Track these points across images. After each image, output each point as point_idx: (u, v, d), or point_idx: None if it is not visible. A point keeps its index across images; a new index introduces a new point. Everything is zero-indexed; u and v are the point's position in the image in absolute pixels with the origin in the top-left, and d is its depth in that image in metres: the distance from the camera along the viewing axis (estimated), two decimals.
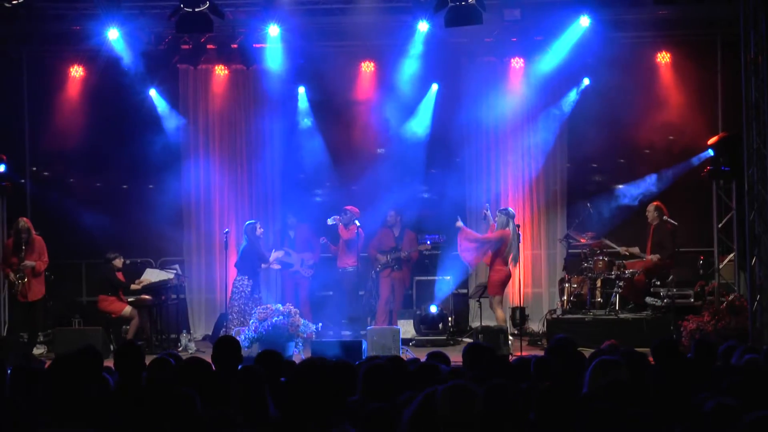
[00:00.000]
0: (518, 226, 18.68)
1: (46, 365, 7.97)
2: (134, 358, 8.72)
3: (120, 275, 19.09)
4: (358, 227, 19.36)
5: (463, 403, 6.20)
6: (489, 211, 18.86)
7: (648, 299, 19.11)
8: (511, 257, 18.37)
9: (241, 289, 18.59)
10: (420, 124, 21.02)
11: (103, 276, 19.07)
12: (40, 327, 18.94)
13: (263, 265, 19.19)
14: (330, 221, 19.87)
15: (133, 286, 19.23)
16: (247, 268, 18.75)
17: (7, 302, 19.26)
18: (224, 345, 9.22)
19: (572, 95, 20.70)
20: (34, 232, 18.45)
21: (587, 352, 11.00)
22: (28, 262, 18.16)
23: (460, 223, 18.72)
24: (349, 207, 19.91)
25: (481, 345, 10.36)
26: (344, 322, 19.91)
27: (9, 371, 8.49)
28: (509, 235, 18.25)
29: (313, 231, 20.45)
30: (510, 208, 18.80)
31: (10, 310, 19.17)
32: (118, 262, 19.08)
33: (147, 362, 9.14)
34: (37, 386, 8.16)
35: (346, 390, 8.13)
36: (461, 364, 9.73)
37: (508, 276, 18.54)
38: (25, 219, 18.62)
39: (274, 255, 19.72)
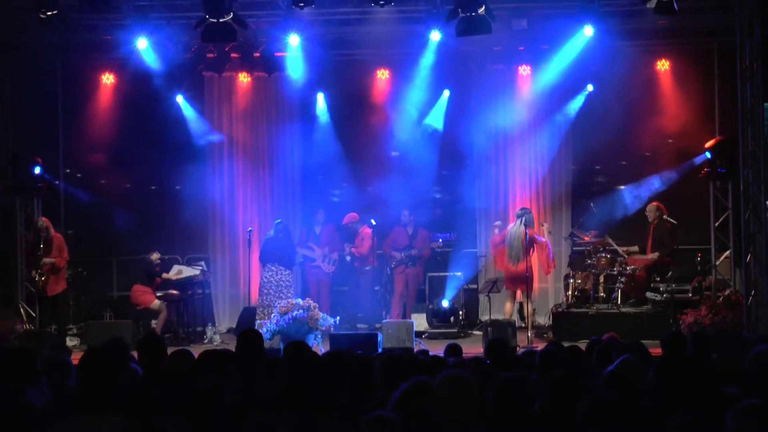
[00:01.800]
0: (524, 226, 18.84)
1: (72, 357, 7.96)
2: (156, 349, 8.69)
3: (158, 270, 19.23)
4: (373, 226, 19.40)
5: (459, 392, 6.14)
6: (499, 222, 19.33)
7: (648, 294, 19.09)
8: (506, 255, 18.54)
9: (291, 282, 18.73)
10: (432, 128, 20.99)
11: (142, 267, 19.22)
12: (66, 319, 19.02)
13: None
14: (348, 257, 19.97)
15: (165, 275, 19.35)
16: (289, 260, 18.95)
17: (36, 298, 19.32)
18: (247, 337, 9.20)
19: (577, 101, 20.65)
20: (53, 230, 18.55)
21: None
22: (46, 259, 18.22)
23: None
24: (346, 220, 19.95)
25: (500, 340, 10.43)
26: (360, 315, 19.93)
27: (43, 362, 8.47)
28: (505, 233, 18.58)
29: (338, 230, 20.46)
30: (520, 209, 18.87)
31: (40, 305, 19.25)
32: (156, 257, 19.27)
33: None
34: (68, 376, 8.16)
35: (366, 382, 8.09)
36: (470, 355, 9.74)
37: (509, 272, 18.66)
38: (43, 218, 18.78)
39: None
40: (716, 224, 19.57)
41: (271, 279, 18.59)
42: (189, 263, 20.39)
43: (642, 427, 6.21)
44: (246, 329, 9.78)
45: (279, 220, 19.32)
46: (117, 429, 5.99)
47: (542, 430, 6.58)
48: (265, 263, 18.79)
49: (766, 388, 7.22)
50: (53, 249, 18.40)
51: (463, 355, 10.54)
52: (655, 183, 20.45)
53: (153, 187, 21.57)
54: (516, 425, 6.48)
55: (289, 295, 18.15)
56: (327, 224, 20.38)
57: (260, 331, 15.81)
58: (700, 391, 6.79)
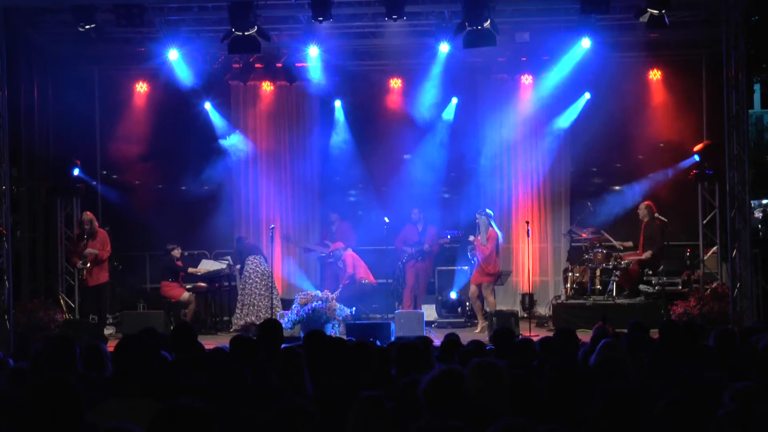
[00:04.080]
0: (527, 222, 19.09)
1: (108, 344, 7.97)
2: (188, 336, 8.71)
3: (179, 264, 19.21)
4: (387, 224, 19.44)
5: (491, 377, 6.05)
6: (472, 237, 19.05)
7: (641, 287, 19.08)
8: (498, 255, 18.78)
9: (269, 269, 19.28)
10: (441, 133, 20.97)
11: (165, 264, 19.22)
12: (106, 309, 19.06)
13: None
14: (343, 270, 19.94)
15: (191, 270, 19.37)
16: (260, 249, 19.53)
17: (78, 288, 19.40)
18: (269, 326, 9.20)
19: (575, 108, 20.58)
20: (97, 224, 18.63)
21: (588, 332, 10.98)
22: (90, 250, 18.25)
23: (472, 238, 18.88)
24: (332, 248, 19.91)
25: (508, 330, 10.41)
26: (375, 306, 19.92)
27: (82, 349, 8.48)
28: (496, 236, 18.62)
29: (352, 228, 20.47)
30: (488, 209, 18.93)
31: (82, 295, 19.31)
32: (177, 252, 19.29)
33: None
34: (104, 362, 8.17)
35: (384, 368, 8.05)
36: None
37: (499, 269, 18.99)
38: (88, 213, 18.94)
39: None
40: (704, 222, 19.54)
41: (256, 269, 18.74)
42: (216, 258, 20.41)
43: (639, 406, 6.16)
44: (267, 319, 9.79)
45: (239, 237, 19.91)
46: (149, 411, 6.00)
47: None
48: (245, 257, 18.95)
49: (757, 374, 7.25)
50: (97, 241, 18.45)
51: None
52: (647, 184, 20.42)
53: (183, 188, 21.54)
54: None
55: (269, 282, 18.66)
56: (342, 222, 20.40)
57: (282, 320, 15.88)
58: (689, 373, 6.78)
